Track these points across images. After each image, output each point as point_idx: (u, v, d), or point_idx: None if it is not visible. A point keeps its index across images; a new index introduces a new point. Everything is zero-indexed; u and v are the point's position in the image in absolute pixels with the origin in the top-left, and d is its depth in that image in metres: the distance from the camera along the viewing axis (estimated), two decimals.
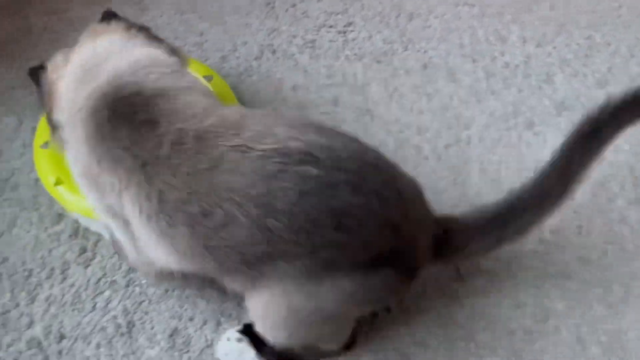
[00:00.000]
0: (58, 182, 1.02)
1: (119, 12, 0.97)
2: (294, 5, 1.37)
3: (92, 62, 0.85)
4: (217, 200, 0.72)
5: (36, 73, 0.91)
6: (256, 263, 0.75)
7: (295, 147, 0.72)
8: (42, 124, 1.10)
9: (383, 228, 0.75)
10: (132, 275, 1.00)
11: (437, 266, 0.90)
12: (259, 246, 0.73)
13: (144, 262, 0.85)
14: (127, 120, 0.77)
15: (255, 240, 0.72)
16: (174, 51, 0.91)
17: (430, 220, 0.84)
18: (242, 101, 1.19)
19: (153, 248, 0.79)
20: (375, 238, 0.75)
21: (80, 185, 0.85)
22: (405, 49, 1.30)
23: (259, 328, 0.84)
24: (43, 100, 0.89)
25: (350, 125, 1.18)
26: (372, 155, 0.78)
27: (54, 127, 0.87)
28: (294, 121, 0.79)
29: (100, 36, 0.90)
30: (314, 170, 0.71)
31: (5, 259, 1.02)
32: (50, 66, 0.90)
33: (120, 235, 0.85)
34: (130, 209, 0.78)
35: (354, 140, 0.79)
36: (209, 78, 1.15)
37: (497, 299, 0.97)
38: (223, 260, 0.76)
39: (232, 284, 0.82)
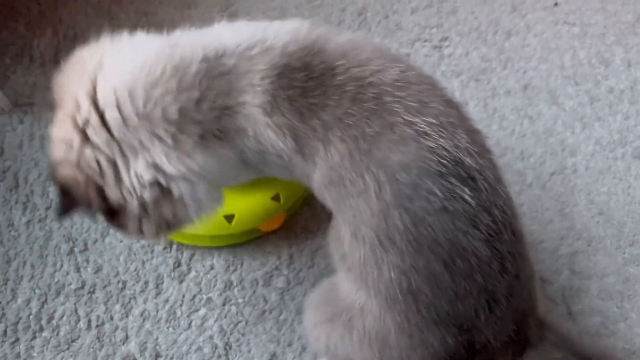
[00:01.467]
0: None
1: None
2: (386, 17, 1.32)
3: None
4: (365, 170, 0.67)
5: None
6: (355, 240, 0.71)
7: (468, 164, 0.65)
8: None
9: (482, 295, 0.68)
10: (228, 293, 0.97)
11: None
12: (369, 230, 0.68)
13: None
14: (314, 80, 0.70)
15: (371, 223, 0.68)
16: None
17: (531, 315, 0.75)
18: None
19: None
20: (470, 299, 0.68)
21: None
22: (504, 68, 1.25)
23: None
24: None
25: None
26: (519, 224, 0.72)
27: None
28: (476, 135, 0.71)
29: None
30: (468, 196, 0.65)
31: (99, 268, 1.00)
32: None
33: None
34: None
35: (509, 203, 0.71)
36: None
37: None
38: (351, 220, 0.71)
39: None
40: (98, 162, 0.71)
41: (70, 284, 0.99)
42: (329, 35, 0.74)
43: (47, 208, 1.06)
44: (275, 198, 0.95)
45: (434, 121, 0.67)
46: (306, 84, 0.70)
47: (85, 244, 1.02)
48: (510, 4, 1.36)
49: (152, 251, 1.01)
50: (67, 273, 1.00)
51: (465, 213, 0.65)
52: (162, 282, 0.99)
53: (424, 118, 0.67)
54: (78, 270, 1.00)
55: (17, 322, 0.95)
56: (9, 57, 1.26)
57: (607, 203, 1.08)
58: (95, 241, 1.03)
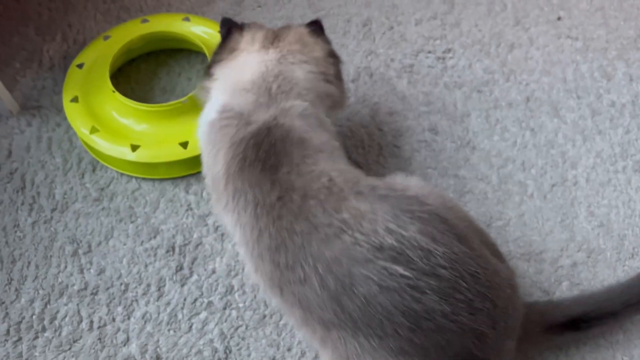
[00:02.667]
0: (93, 131, 1.09)
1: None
2: (391, 28, 1.34)
3: (272, 82, 0.89)
4: (302, 261, 0.74)
5: (230, 25, 0.99)
6: (323, 326, 0.75)
7: (390, 244, 0.70)
8: (70, 78, 1.18)
9: (465, 336, 0.71)
10: (229, 297, 0.98)
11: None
12: (328, 314, 0.73)
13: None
14: (263, 164, 0.80)
15: (325, 308, 0.73)
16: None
17: (520, 318, 0.80)
18: (337, 124, 1.16)
19: (245, 260, 0.84)
20: (455, 344, 0.71)
21: (205, 178, 0.93)
22: (507, 80, 1.26)
23: None
24: (218, 52, 0.97)
25: (450, 155, 1.15)
26: (475, 261, 0.73)
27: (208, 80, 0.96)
28: (402, 207, 0.74)
29: (295, 53, 0.94)
30: (401, 271, 0.69)
31: (102, 270, 1.01)
32: (245, 34, 0.97)
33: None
34: (231, 222, 0.83)
35: (463, 239, 0.74)
36: None
37: None
38: (294, 308, 0.77)
39: (303, 335, 0.84)
40: None
41: (73, 285, 1.00)
42: None
43: (53, 210, 1.07)
44: None
45: (346, 216, 0.73)
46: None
47: (90, 246, 1.04)
48: (513, 17, 1.37)
49: (155, 254, 1.02)
50: (71, 274, 1.01)
51: (408, 285, 0.69)
52: (164, 285, 0.99)
53: (338, 216, 0.74)
54: (81, 271, 1.01)
55: (20, 322, 0.96)
56: (19, 62, 1.28)
57: (608, 215, 1.08)
58: (99, 243, 1.04)
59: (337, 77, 0.97)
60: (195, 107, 1.01)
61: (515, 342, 0.79)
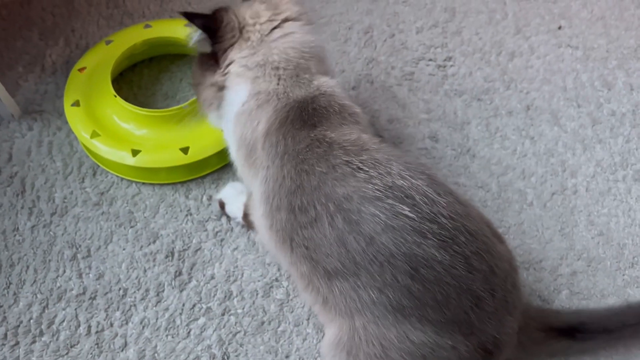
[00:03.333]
0: (94, 135, 1.10)
1: None
2: (392, 36, 1.34)
3: (299, 58, 0.88)
4: (315, 201, 0.77)
5: (198, 15, 0.90)
6: (327, 280, 0.77)
7: (400, 185, 0.74)
8: (71, 82, 1.19)
9: (462, 295, 0.73)
10: (227, 303, 0.98)
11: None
12: (332, 259, 0.75)
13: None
14: (303, 122, 0.83)
15: (331, 251, 0.75)
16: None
17: (520, 305, 0.82)
18: None
19: (262, 223, 0.86)
20: (452, 302, 0.72)
21: (231, 145, 0.95)
22: (507, 89, 1.26)
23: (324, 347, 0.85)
24: (219, 40, 0.90)
25: (450, 163, 1.15)
26: (475, 224, 0.76)
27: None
28: (413, 164, 0.78)
29: (297, 20, 0.92)
30: (408, 211, 0.72)
31: (101, 275, 1.01)
32: (244, 10, 0.92)
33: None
34: (258, 182, 0.85)
35: (464, 204, 0.77)
36: None
37: None
38: (301, 263, 0.79)
39: (308, 297, 0.84)
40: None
41: (71, 289, 0.99)
42: None
43: (52, 214, 1.07)
44: None
45: (366, 157, 0.78)
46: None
47: (89, 251, 1.04)
48: (514, 26, 1.38)
49: (155, 259, 1.02)
50: (69, 279, 1.01)
51: (411, 227, 0.72)
52: (163, 291, 0.99)
53: (358, 157, 0.78)
54: (80, 276, 1.01)
55: (18, 326, 0.96)
56: (22, 66, 1.29)
57: (607, 224, 1.08)
58: (99, 248, 1.04)
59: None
60: (197, 112, 1.01)
61: (517, 325, 0.80)
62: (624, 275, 1.02)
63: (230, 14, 0.90)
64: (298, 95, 0.85)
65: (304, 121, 0.83)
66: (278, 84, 0.86)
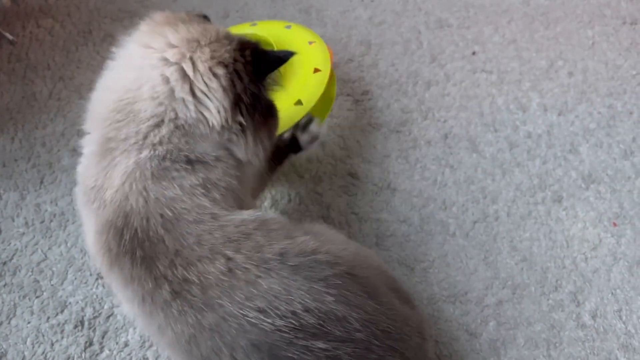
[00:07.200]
0: (298, 103, 1.08)
1: None
2: None
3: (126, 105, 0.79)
4: (217, 352, 0.70)
5: None
6: None
7: (309, 324, 0.69)
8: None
9: None
10: None
11: None
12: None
13: None
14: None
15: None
16: None
17: None
18: None
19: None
20: None
21: None
22: (425, 119, 1.26)
23: None
24: None
25: (371, 199, 1.13)
26: (386, 317, 0.75)
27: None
28: (317, 273, 0.72)
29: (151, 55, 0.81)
30: (321, 345, 0.70)
31: (3, 354, 0.93)
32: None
33: None
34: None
35: (374, 294, 0.75)
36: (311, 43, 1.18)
37: None
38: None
39: None
40: None
41: None
42: None
43: None
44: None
45: (262, 305, 0.70)
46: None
47: None
48: (429, 54, 1.39)
49: (62, 330, 0.96)
50: None
51: (327, 357, 0.70)
52: None
53: (251, 304, 0.69)
54: None
55: None
56: None
57: (530, 249, 1.08)
58: (0, 324, 0.96)
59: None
60: None
61: None
62: (548, 299, 1.02)
63: None
64: None
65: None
66: None
